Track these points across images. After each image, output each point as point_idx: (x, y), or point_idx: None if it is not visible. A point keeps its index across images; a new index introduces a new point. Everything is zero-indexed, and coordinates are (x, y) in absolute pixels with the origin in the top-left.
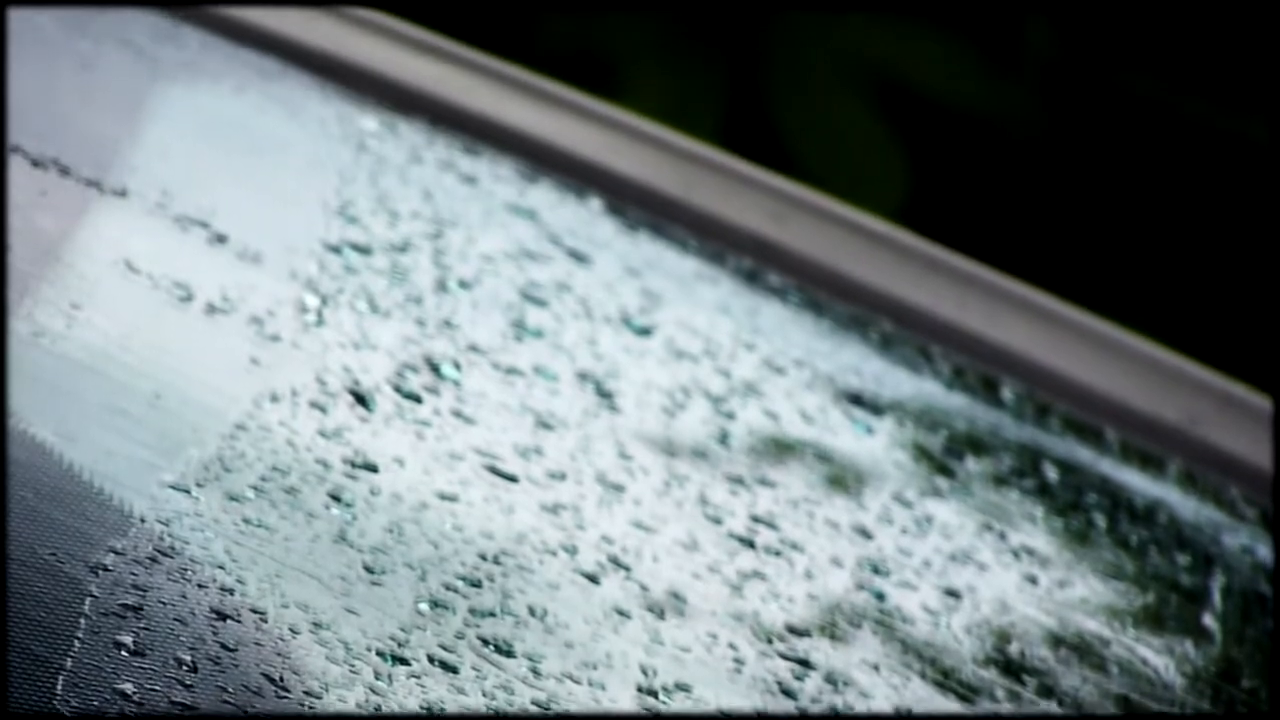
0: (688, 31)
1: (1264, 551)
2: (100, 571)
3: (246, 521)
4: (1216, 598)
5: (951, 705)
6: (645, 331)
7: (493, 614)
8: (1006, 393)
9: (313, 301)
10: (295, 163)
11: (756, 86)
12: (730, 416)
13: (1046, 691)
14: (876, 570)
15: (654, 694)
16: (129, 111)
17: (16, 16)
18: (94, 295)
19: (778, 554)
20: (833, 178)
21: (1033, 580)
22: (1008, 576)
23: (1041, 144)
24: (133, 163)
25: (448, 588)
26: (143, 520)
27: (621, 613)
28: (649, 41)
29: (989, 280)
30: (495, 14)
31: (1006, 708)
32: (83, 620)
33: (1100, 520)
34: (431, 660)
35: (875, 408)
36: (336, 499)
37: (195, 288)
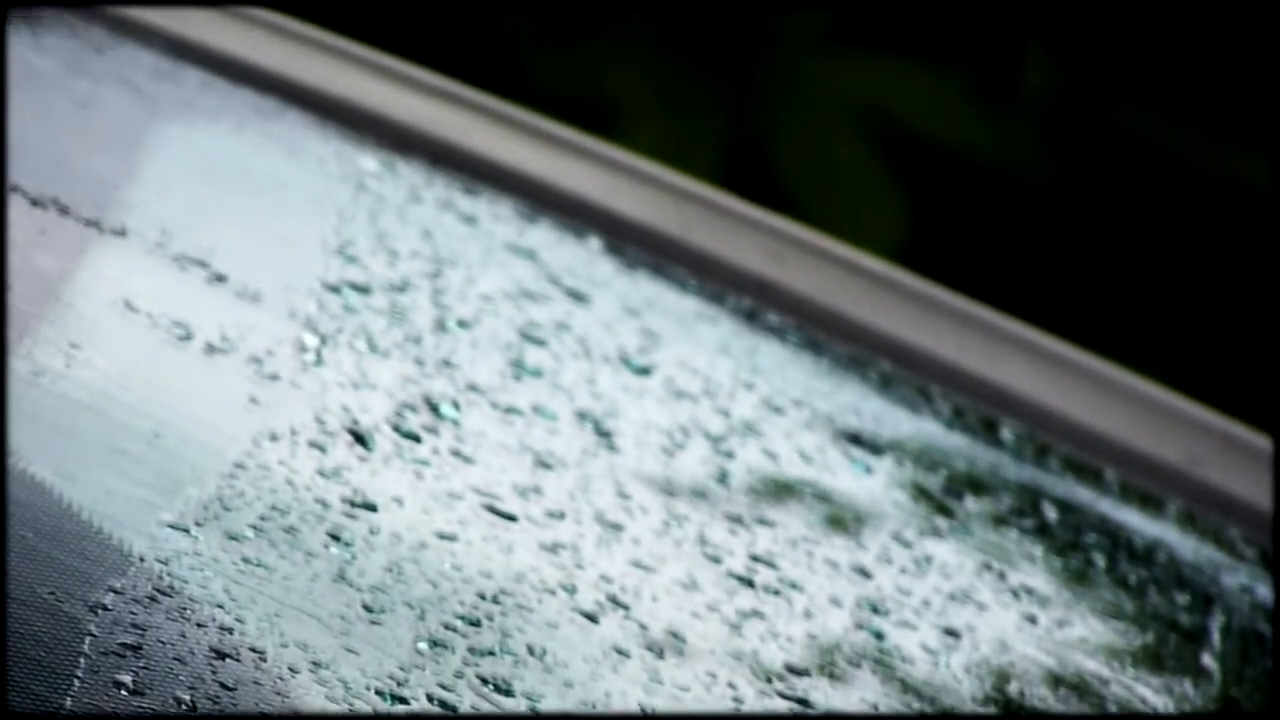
0: (687, 71)
1: (1263, 591)
2: (99, 610)
3: (245, 561)
4: (1216, 637)
5: None
6: (644, 371)
7: (492, 653)
8: (1006, 432)
9: (312, 341)
10: (294, 202)
11: (755, 126)
12: (729, 456)
13: None
14: (876, 610)
15: None
16: (128, 151)
17: (15, 57)
18: (93, 334)
19: (777, 593)
20: (832, 218)
21: (1032, 620)
22: (1007, 616)
23: (1042, 183)
24: (132, 202)
25: (447, 627)
26: (142, 559)
27: (620, 652)
28: (648, 81)
29: (988, 320)
30: (493, 53)
31: None
32: (82, 660)
33: (1100, 560)
34: (431, 699)
35: (874, 447)
36: (335, 538)
37: (194, 327)
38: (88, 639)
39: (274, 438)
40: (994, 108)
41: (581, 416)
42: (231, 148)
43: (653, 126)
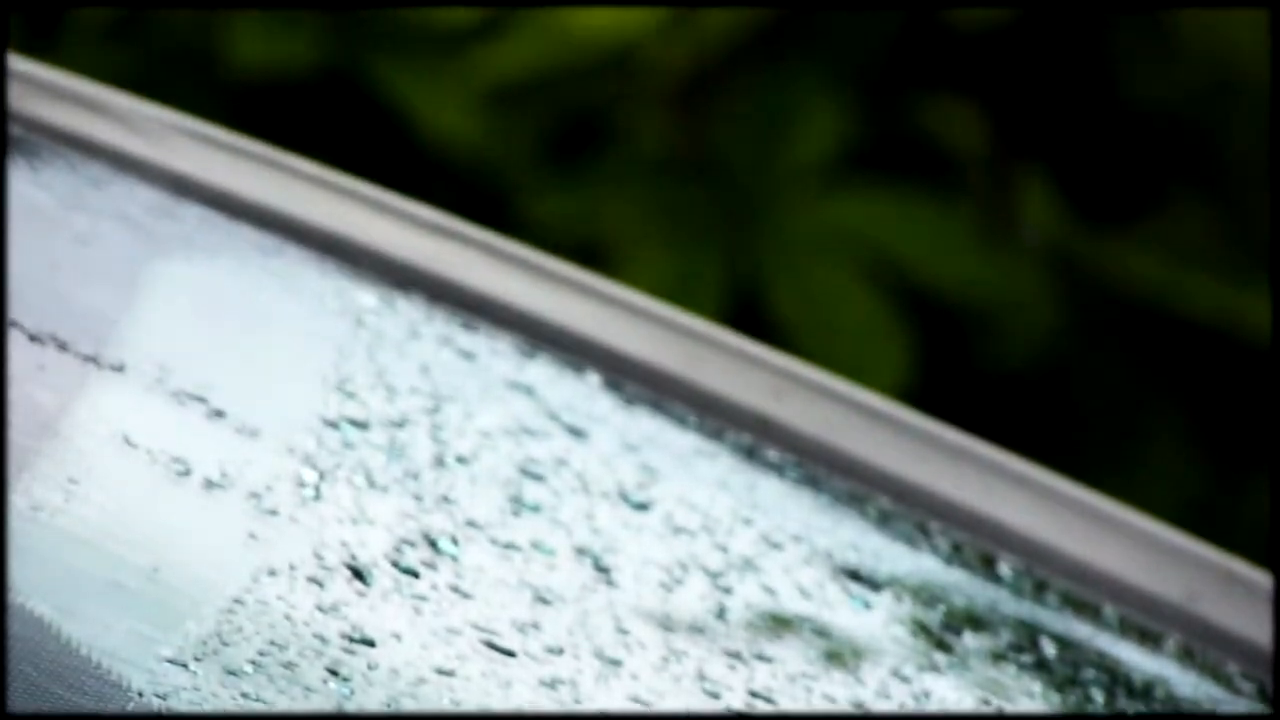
0: (685, 208)
1: None
2: None
3: (244, 696)
4: None
5: None
6: (643, 507)
7: None
8: (1004, 568)
9: (310, 476)
10: (293, 338)
11: (754, 263)
12: (728, 591)
13: None
14: None
15: None
16: (126, 286)
17: (14, 192)
18: (92, 470)
19: None
20: (831, 356)
21: None
22: None
23: (1043, 323)
24: (130, 338)
25: None
26: (140, 694)
27: None
28: (644, 218)
29: (985, 455)
30: (490, 190)
31: None
32: None
33: (1098, 696)
34: None
35: (873, 583)
36: (334, 674)
37: (193, 462)
38: None
39: (272, 573)
40: (996, 246)
41: (580, 552)
42: (230, 284)
43: (650, 264)
